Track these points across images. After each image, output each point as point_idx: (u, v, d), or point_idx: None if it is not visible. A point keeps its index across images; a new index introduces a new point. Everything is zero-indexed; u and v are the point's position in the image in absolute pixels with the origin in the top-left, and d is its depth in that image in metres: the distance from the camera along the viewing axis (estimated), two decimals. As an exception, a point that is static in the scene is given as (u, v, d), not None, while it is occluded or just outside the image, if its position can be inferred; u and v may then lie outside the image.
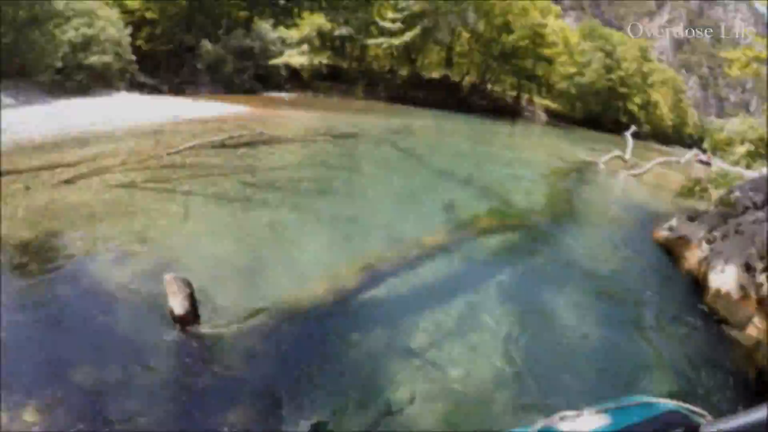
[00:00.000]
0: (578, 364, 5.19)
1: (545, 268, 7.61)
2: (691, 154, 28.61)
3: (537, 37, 44.14)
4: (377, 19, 34.03)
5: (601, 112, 57.92)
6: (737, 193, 9.84)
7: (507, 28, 42.00)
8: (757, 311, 6.62)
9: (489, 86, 47.22)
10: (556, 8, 53.17)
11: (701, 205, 11.72)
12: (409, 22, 33.14)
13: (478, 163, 15.37)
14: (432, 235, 7.74)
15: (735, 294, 6.90)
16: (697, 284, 7.95)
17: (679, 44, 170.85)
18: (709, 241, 8.56)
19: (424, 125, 22.64)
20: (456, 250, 7.50)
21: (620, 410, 1.40)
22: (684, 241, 9.29)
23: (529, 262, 7.68)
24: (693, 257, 8.73)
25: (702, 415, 1.27)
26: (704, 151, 45.14)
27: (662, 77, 72.58)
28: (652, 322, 6.49)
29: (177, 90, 25.11)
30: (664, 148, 60.47)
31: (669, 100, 75.20)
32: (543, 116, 51.53)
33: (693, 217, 10.04)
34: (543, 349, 5.30)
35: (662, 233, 10.15)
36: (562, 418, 1.44)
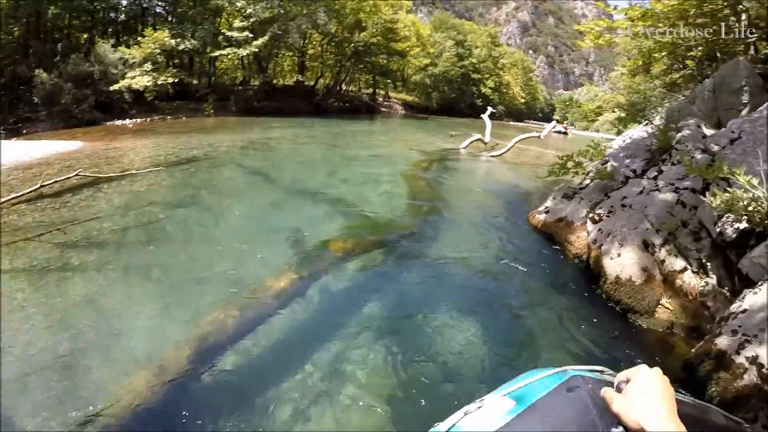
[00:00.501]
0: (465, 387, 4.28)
1: (416, 289, 6.26)
2: (549, 127, 29.46)
3: (389, 32, 45.14)
4: (224, 29, 31.57)
5: (457, 98, 62.19)
6: (612, 163, 9.14)
7: (359, 26, 42.10)
8: (665, 291, 5.92)
9: (344, 86, 47.21)
10: (407, 3, 54.42)
11: (577, 181, 11.03)
12: (257, 29, 30.96)
13: (334, 170, 13.84)
14: (280, 277, 6.18)
15: (638, 278, 6.05)
16: (589, 270, 7.02)
17: (525, 28, 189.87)
18: (594, 221, 7.71)
19: (277, 136, 20.84)
20: (311, 288, 6.00)
21: (522, 389, 1.41)
22: (565, 223, 8.42)
23: (396, 284, 6.32)
24: (579, 241, 7.83)
25: (601, 371, 1.33)
26: (559, 122, 48.06)
27: (512, 59, 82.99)
28: (547, 326, 5.59)
29: (12, 131, 21.16)
30: (519, 124, 66.12)
31: (519, 79, 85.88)
32: (400, 110, 54.43)
33: (570, 194, 9.22)
34: (424, 388, 4.24)
35: (539, 217, 9.25)
36: (466, 413, 1.46)
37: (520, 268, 7.23)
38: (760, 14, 13.26)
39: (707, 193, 6.20)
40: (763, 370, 4.02)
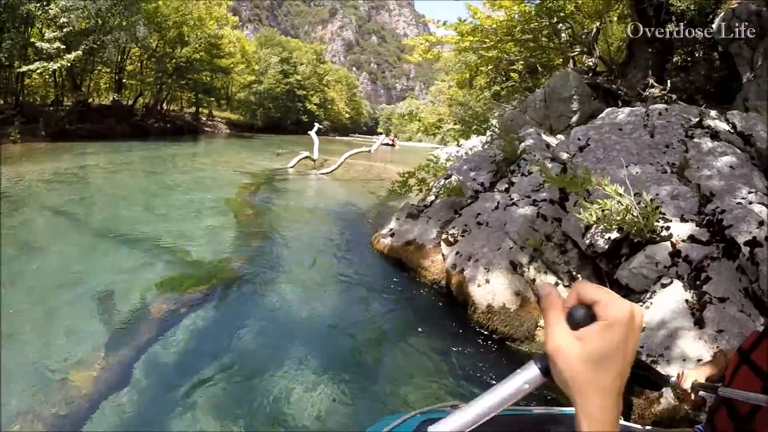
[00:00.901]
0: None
1: (255, 344, 5.21)
2: (379, 141, 29.42)
3: (213, 48, 43.17)
4: (35, 40, 26.78)
5: (282, 115, 62.58)
6: (457, 176, 8.56)
7: (181, 40, 39.27)
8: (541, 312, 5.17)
9: (165, 106, 43.78)
10: (233, 18, 52.36)
11: (417, 199, 10.49)
12: (73, 41, 26.82)
13: (152, 202, 11.79)
14: (88, 366, 4.56)
15: (512, 304, 5.61)
16: (451, 297, 6.40)
17: (349, 46, 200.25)
18: (448, 242, 7.00)
19: (91, 164, 17.76)
20: (129, 369, 4.53)
21: None
22: (416, 247, 7.62)
23: (233, 341, 5.22)
24: (435, 265, 7.08)
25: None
26: (382, 134, 49.64)
27: (336, 76, 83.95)
28: (414, 365, 5.06)
29: None
30: (345, 138, 67.26)
31: (344, 95, 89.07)
32: (225, 129, 52.83)
33: (415, 213, 8.51)
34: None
35: (384, 241, 8.35)
36: (453, 406, 1.60)
37: (372, 302, 6.43)
38: (577, 32, 14.26)
39: (574, 205, 6.22)
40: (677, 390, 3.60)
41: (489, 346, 5.41)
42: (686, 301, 4.56)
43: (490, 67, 18.36)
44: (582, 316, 0.61)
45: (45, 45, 24.99)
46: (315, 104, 68.86)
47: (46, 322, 5.19)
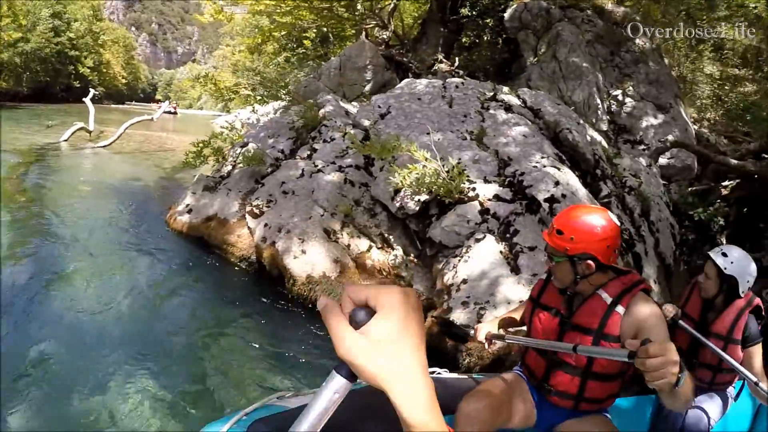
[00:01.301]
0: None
1: (52, 361, 4.45)
2: (162, 109, 27.55)
3: None
4: None
5: (52, 80, 53.85)
6: (253, 144, 8.08)
7: None
8: (360, 274, 5.83)
9: None
10: None
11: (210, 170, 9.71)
12: None
13: None
14: None
15: (332, 272, 5.67)
16: (264, 272, 6.19)
17: (130, 3, 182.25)
18: (254, 214, 6.66)
19: None
20: None
21: None
22: (218, 222, 7.12)
23: (24, 358, 4.41)
24: (242, 240, 6.68)
25: (280, 396, 1.68)
26: (165, 101, 46.45)
27: (113, 36, 76.43)
28: (236, 354, 4.79)
29: None
30: (121, 107, 61.92)
31: (121, 58, 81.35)
32: None
33: (212, 185, 7.90)
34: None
35: (181, 219, 7.66)
36: (279, 398, 1.82)
37: (178, 289, 5.89)
38: (374, 6, 14.66)
39: (380, 171, 6.49)
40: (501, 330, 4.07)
41: (313, 316, 5.29)
42: (500, 252, 5.06)
43: (283, 33, 18.08)
44: (362, 315, 0.63)
45: None
46: (88, 68, 60.29)
47: None
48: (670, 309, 3.01)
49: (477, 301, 4.67)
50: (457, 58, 13.42)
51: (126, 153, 17.72)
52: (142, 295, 5.76)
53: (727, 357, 2.72)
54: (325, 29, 17.10)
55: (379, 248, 6.15)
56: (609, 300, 2.06)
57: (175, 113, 52.46)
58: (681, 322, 2.94)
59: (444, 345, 4.62)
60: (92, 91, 26.84)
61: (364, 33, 15.30)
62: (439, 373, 2.68)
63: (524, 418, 2.28)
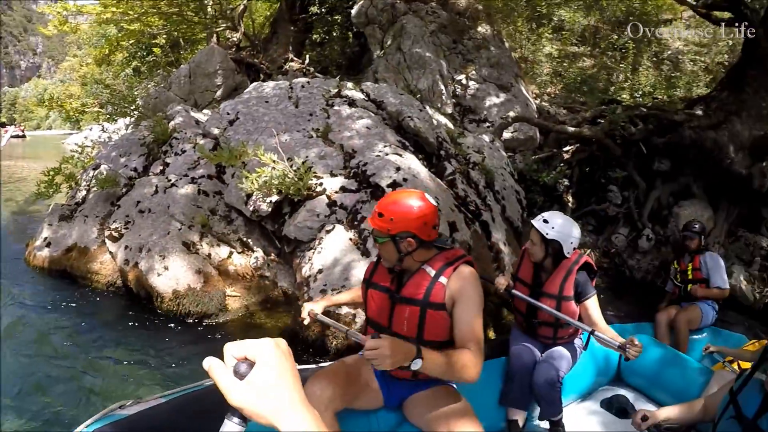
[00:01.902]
0: None
1: None
2: (9, 134, 25.45)
3: None
4: None
5: None
6: (105, 166, 8.06)
7: None
8: (225, 281, 6.14)
9: None
10: None
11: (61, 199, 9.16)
12: None
13: None
14: None
15: (197, 284, 5.90)
16: (133, 295, 6.23)
17: None
18: (113, 238, 6.71)
19: None
20: None
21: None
22: (78, 252, 7.00)
23: None
24: (105, 267, 6.67)
25: (120, 407, 1.84)
26: (11, 126, 43.30)
27: None
28: (117, 376, 4.77)
29: None
30: None
31: None
32: None
33: (68, 214, 7.78)
34: None
35: (41, 254, 7.37)
36: (121, 407, 1.90)
37: (46, 330, 5.66)
38: (224, 7, 14.92)
39: (232, 177, 6.75)
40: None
41: (186, 329, 5.52)
42: (350, 239, 5.54)
43: (131, 41, 17.54)
44: (244, 368, 0.77)
45: None
46: None
47: None
48: (502, 281, 3.37)
49: (333, 287, 5.08)
50: (308, 56, 13.82)
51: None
52: (9, 339, 5.51)
53: (557, 313, 3.07)
54: (175, 34, 16.84)
55: (239, 253, 6.46)
56: (433, 273, 2.27)
57: (23, 136, 48.82)
58: (514, 291, 3.28)
59: (310, 335, 5.00)
60: None
61: (215, 36, 15.30)
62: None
63: (371, 399, 2.48)
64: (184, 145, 7.70)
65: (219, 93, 11.65)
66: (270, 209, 6.16)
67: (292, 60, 13.49)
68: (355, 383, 2.41)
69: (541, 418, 3.28)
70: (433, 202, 2.34)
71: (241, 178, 6.11)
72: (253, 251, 6.49)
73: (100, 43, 20.14)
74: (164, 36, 16.75)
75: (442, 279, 2.24)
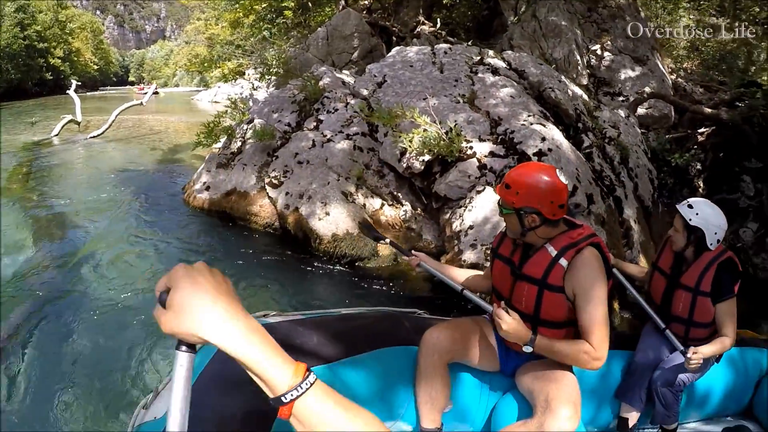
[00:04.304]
0: None
1: (92, 350, 4.73)
2: (150, 92, 27.26)
3: None
4: None
5: (23, 76, 52.38)
6: (259, 120, 8.71)
7: None
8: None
9: None
10: None
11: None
12: None
13: None
14: None
15: (354, 230, 6.50)
16: (290, 235, 6.95)
17: None
18: (273, 185, 7.42)
19: None
20: None
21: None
22: (239, 196, 7.84)
23: (68, 348, 4.72)
24: (264, 210, 7.45)
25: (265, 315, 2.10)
26: (153, 84, 45.97)
27: (80, 23, 74.86)
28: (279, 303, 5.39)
29: None
30: (97, 93, 61.26)
31: (90, 44, 79.59)
32: None
33: (225, 162, 8.54)
34: None
35: (201, 196, 8.33)
36: (145, 407, 1.81)
37: (212, 258, 6.48)
38: None
39: (384, 136, 7.23)
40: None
41: (340, 269, 6.18)
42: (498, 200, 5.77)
43: (264, 5, 18.35)
44: (164, 296, 0.81)
45: None
46: (59, 58, 58.81)
47: None
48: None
49: (483, 243, 5.53)
50: (438, 18, 13.94)
51: (119, 140, 17.95)
52: (173, 265, 6.16)
53: (637, 296, 3.14)
54: None
55: (390, 205, 7.00)
56: (554, 253, 2.22)
57: (156, 93, 52.32)
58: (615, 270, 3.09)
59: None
60: (74, 83, 26.76)
61: (343, 0, 15.71)
62: (418, 313, 3.05)
63: (488, 361, 2.50)
64: (335, 104, 8.25)
65: (355, 55, 12.15)
66: (422, 167, 6.56)
67: (423, 23, 13.64)
68: (475, 342, 2.47)
69: (653, 423, 3.09)
70: (564, 180, 2.26)
71: (396, 137, 6.59)
72: (402, 205, 6.98)
73: (232, 6, 20.96)
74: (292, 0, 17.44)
75: (563, 261, 2.20)
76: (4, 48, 49.17)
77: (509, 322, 2.09)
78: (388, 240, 3.27)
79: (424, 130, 6.37)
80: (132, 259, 6.68)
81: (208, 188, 8.31)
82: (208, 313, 0.78)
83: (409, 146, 6.39)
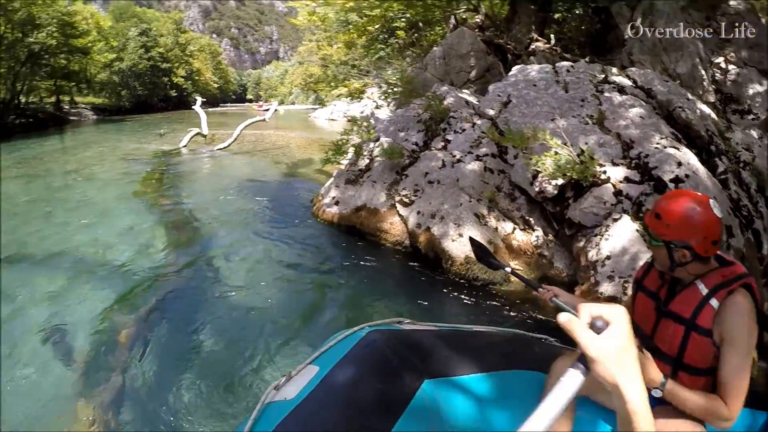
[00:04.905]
0: None
1: (219, 350, 4.99)
2: (271, 109, 28.34)
3: (67, 27, 37.21)
4: None
5: (149, 93, 60.50)
6: (385, 139, 8.97)
7: (31, 22, 33.36)
8: (509, 254, 6.63)
9: (23, 99, 37.96)
10: None
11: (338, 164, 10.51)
12: None
13: (49, 213, 10.14)
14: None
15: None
16: (420, 254, 7.01)
17: (207, 12, 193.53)
18: (404, 203, 7.59)
19: None
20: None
21: (326, 353, 1.67)
22: (368, 212, 8.11)
23: (192, 347, 5.00)
24: (395, 227, 7.65)
25: (399, 321, 1.91)
26: (274, 101, 48.19)
27: (198, 45, 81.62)
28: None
29: None
30: (218, 109, 67.13)
31: (209, 64, 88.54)
32: (91, 115, 47.16)
33: (353, 179, 8.85)
34: None
35: (330, 210, 8.72)
36: (276, 388, 1.83)
37: (340, 271, 6.73)
38: None
39: (514, 158, 7.15)
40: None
41: (471, 292, 6.07)
42: (636, 230, 5.57)
43: (377, 26, 18.80)
44: (601, 324, 0.80)
45: None
46: (182, 77, 65.61)
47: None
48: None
49: (621, 275, 5.26)
50: (552, 35, 13.70)
51: (244, 153, 18.96)
52: (307, 277, 6.53)
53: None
54: (413, 17, 17.53)
55: (521, 230, 6.86)
56: (705, 291, 2.03)
57: (277, 111, 55.13)
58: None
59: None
60: (199, 99, 28.64)
61: (453, 17, 15.81)
62: (549, 340, 2.99)
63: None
64: (462, 124, 8.30)
65: (473, 74, 12.16)
66: (555, 192, 6.39)
67: (537, 40, 13.44)
68: None
69: None
70: (718, 213, 2.04)
71: (527, 160, 6.52)
72: (533, 230, 6.80)
73: (344, 28, 21.57)
74: (403, 20, 17.77)
75: (713, 302, 1.99)
76: (131, 68, 55.97)
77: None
78: (509, 269, 3.06)
79: (556, 152, 6.27)
80: (260, 264, 7.09)
81: (337, 203, 8.67)
82: (633, 368, 0.80)
83: (543, 169, 6.30)
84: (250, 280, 6.46)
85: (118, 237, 8.39)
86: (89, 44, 42.83)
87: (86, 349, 4.87)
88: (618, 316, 0.81)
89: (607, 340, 0.79)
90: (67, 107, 45.38)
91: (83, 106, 48.47)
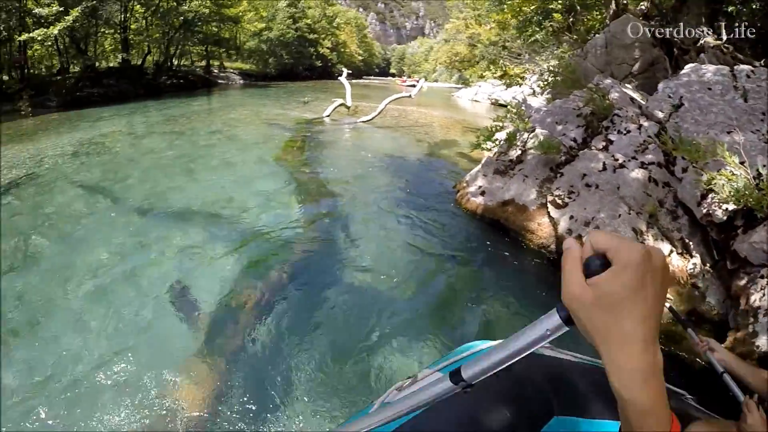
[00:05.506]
0: None
1: (355, 317, 5.23)
2: (418, 87, 28.32)
3: None
4: (32, 6, 24.79)
5: (295, 62, 63.82)
6: (541, 131, 8.57)
7: None
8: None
9: (175, 61, 42.34)
10: None
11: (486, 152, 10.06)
12: (69, 3, 25.00)
13: (191, 169, 10.98)
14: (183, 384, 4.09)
15: None
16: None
17: None
18: (557, 205, 7.17)
19: (112, 131, 16.29)
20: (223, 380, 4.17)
21: (455, 363, 1.56)
22: (516, 208, 7.78)
23: (318, 323, 5.10)
24: (542, 229, 7.25)
25: None
26: (421, 78, 48.69)
27: (345, 18, 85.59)
28: None
29: None
30: (361, 81, 73.35)
31: (355, 37, 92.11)
32: (238, 80, 51.34)
33: (502, 169, 8.54)
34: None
35: (475, 200, 8.47)
36: (398, 389, 1.71)
37: (476, 267, 6.59)
38: None
39: (683, 171, 6.41)
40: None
41: None
42: None
43: (533, 7, 18.15)
44: (596, 265, 0.63)
45: (44, 11, 23.48)
46: (327, 48, 69.21)
47: (115, 332, 4.72)
48: None
49: None
50: (724, 31, 12.46)
51: (386, 128, 19.09)
52: (440, 268, 6.46)
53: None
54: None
55: (679, 254, 6.01)
56: None
57: (422, 88, 55.99)
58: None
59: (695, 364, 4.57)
60: (345, 70, 29.33)
61: (614, 2, 14.80)
62: (685, 397, 2.63)
63: None
64: (627, 124, 7.63)
65: (636, 67, 11.29)
66: (725, 217, 5.55)
67: (707, 35, 12.26)
68: None
69: None
70: None
71: (698, 176, 5.80)
72: (692, 256, 5.95)
73: (497, 7, 21.02)
74: (560, 2, 16.95)
75: None
76: (279, 37, 60.04)
77: (756, 420, 1.73)
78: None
79: (732, 172, 5.50)
80: (394, 247, 7.09)
81: (483, 193, 8.40)
82: (627, 332, 0.60)
83: (718, 190, 5.54)
84: (382, 263, 6.47)
85: (254, 200, 8.88)
86: (240, 14, 46.08)
87: (210, 309, 5.17)
88: (625, 257, 0.60)
89: (590, 289, 0.61)
90: (216, 71, 50.44)
91: (231, 70, 53.73)
